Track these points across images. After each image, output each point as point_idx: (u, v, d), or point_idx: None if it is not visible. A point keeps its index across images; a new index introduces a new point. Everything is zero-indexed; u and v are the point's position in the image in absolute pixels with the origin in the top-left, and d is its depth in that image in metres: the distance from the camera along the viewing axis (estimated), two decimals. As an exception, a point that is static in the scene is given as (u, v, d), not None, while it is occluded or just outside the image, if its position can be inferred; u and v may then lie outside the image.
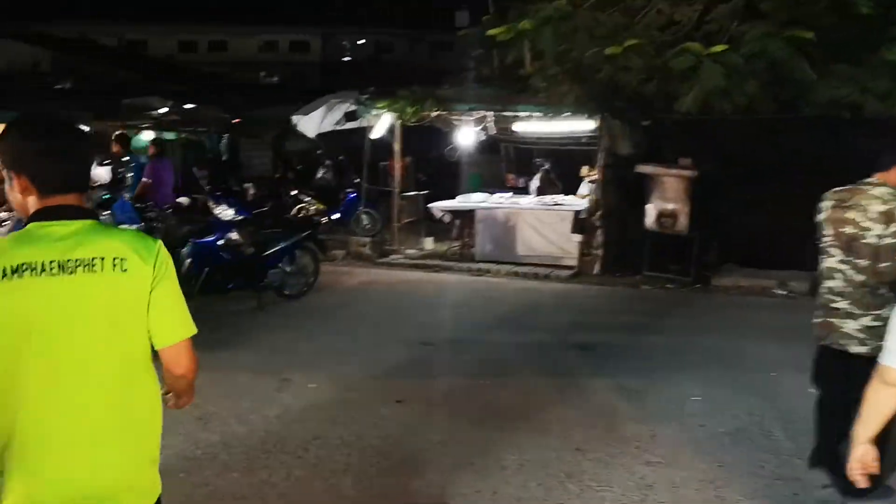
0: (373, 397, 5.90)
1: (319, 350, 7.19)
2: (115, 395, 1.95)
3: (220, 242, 8.24)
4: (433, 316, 8.75)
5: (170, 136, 18.21)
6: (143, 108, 16.98)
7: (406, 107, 11.68)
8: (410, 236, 13.30)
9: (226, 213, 8.42)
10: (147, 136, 16.55)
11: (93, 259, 1.91)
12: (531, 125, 12.10)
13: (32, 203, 1.97)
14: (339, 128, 13.31)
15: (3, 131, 2.01)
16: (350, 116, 13.05)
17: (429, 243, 13.15)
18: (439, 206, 12.44)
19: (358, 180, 13.79)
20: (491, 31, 8.88)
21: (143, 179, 9.82)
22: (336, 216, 14.09)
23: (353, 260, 12.30)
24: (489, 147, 14.91)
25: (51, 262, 1.87)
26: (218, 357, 6.76)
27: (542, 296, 10.03)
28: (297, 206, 14.12)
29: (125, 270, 1.94)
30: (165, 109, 15.90)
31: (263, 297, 8.69)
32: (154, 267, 2.00)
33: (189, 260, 7.97)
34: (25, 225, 1.96)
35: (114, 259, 1.93)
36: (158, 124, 17.31)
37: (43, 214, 1.94)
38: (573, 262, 11.31)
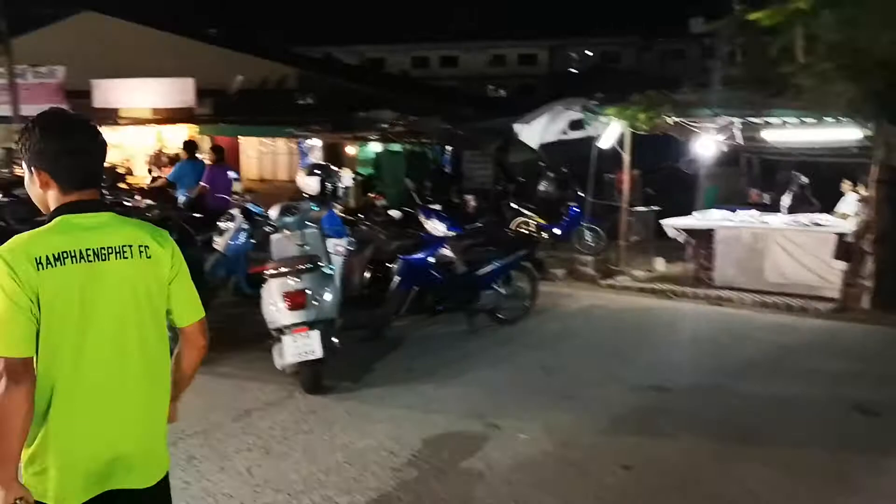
0: (594, 458, 4.77)
1: (535, 389, 6.15)
2: (141, 368, 2.16)
3: (431, 260, 7.49)
4: (666, 354, 7.42)
5: (395, 147, 18.24)
6: (375, 121, 17.13)
7: (638, 113, 10.38)
8: (638, 256, 11.88)
9: (437, 228, 7.66)
10: (312, 143, 16.89)
11: (122, 247, 2.13)
12: (786, 133, 10.33)
13: (53, 197, 2.13)
14: (563, 137, 12.29)
15: (24, 130, 2.13)
16: (575, 125, 12.00)
17: (659, 265, 11.69)
18: (674, 224, 10.97)
19: (581, 194, 12.64)
20: (754, 15, 7.39)
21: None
22: (557, 231, 13.09)
23: (575, 280, 11.11)
24: (727, 159, 13.19)
25: (87, 249, 2.07)
26: (419, 391, 5.97)
27: (799, 334, 8.30)
28: (517, 220, 13.28)
29: (149, 257, 2.17)
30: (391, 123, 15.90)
31: (475, 321, 7.83)
32: (172, 255, 2.23)
33: (398, 278, 7.29)
34: (51, 218, 2.11)
35: (139, 246, 2.16)
36: (384, 136, 17.36)
37: (70, 208, 2.11)
38: (835, 294, 9.41)
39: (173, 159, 26.29)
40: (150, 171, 25.56)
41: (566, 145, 12.62)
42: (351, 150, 18.80)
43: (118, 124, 27.86)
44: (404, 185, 13.69)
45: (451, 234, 7.64)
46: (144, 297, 2.17)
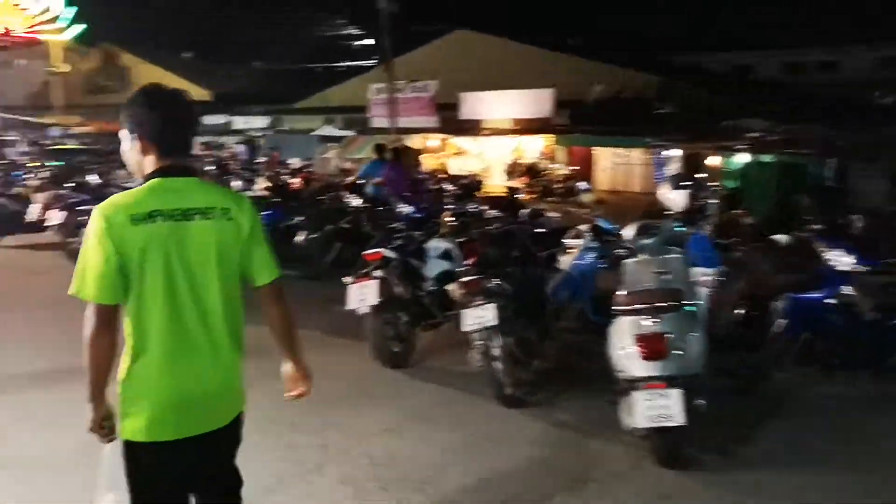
0: None
1: None
2: (221, 317, 2.37)
3: (829, 301, 5.69)
4: None
5: (766, 158, 16.02)
6: (742, 130, 15.29)
7: None
8: None
9: (841, 259, 5.81)
10: (670, 153, 15.13)
11: (206, 208, 2.33)
12: None
13: (149, 162, 2.36)
14: None
15: (129, 100, 2.37)
16: None
17: None
18: None
19: None
20: None
21: (378, 178, 11.82)
22: None
23: None
24: None
25: (175, 209, 2.28)
26: (815, 479, 4.30)
27: None
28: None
29: (230, 219, 2.38)
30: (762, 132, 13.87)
31: (885, 383, 5.85)
32: (250, 218, 2.43)
33: (782, 320, 5.62)
34: (146, 180, 2.33)
35: (221, 209, 2.37)
36: (754, 145, 15.31)
37: (163, 172, 2.34)
38: None
39: (528, 168, 26.51)
40: (508, 180, 25.92)
41: None
42: (714, 161, 16.92)
43: (480, 135, 28.79)
44: (778, 200, 11.60)
45: (861, 268, 5.74)
46: (224, 254, 2.36)
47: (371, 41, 30.37)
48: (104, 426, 2.31)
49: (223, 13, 46.96)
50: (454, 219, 7.29)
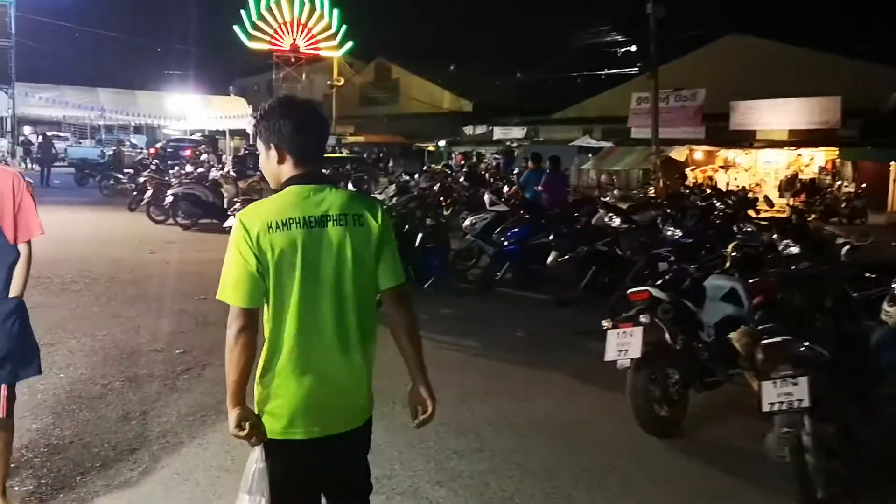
0: None
1: None
2: (356, 319, 2.38)
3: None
4: None
5: None
6: None
7: None
8: None
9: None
10: None
11: (339, 215, 2.35)
12: None
13: (285, 170, 2.40)
14: None
15: (265, 111, 2.42)
16: None
17: None
18: None
19: None
20: None
21: (537, 188, 12.26)
22: None
23: None
24: None
25: (310, 216, 2.32)
26: None
27: None
28: None
29: (362, 225, 2.38)
30: None
31: None
32: (381, 225, 2.41)
33: None
34: (282, 188, 2.38)
35: (354, 215, 2.38)
36: None
37: (299, 179, 2.38)
38: None
39: (807, 184, 23.45)
40: (783, 196, 23.12)
41: None
42: None
43: (752, 147, 26.09)
44: None
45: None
46: (358, 260, 2.37)
47: (633, 48, 28.58)
48: (243, 426, 2.28)
49: (486, 25, 47.59)
50: (739, 249, 5.82)
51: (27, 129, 36.27)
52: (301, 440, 2.34)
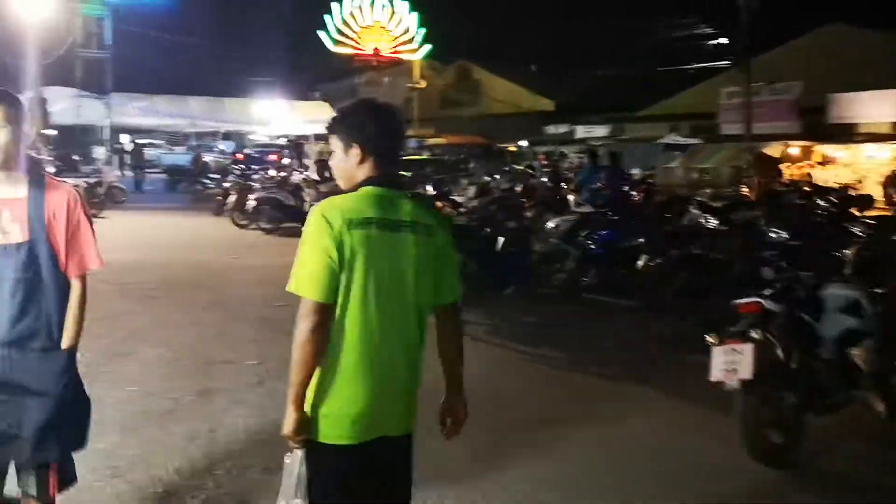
0: None
1: None
2: (415, 327, 2.36)
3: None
4: None
5: None
6: None
7: None
8: None
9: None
10: None
11: (411, 222, 2.33)
12: None
13: (363, 171, 2.36)
14: None
15: (348, 110, 2.45)
16: None
17: None
18: None
19: None
20: None
21: (595, 185, 12.21)
22: None
23: None
24: None
25: (385, 219, 2.28)
26: None
27: None
28: None
29: (430, 235, 2.37)
30: None
31: None
32: (446, 238, 2.42)
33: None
34: (356, 188, 2.34)
35: (425, 224, 2.36)
36: None
37: (378, 181, 2.34)
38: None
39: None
40: (888, 196, 21.68)
41: None
42: None
43: (853, 141, 24.60)
44: None
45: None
46: (423, 269, 2.35)
47: (724, 40, 27.41)
48: (300, 432, 2.26)
49: (568, 22, 46.75)
50: (861, 252, 5.19)
51: (125, 138, 37.58)
52: (352, 445, 2.29)
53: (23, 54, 19.77)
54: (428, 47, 37.99)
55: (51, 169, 18.70)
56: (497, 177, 16.73)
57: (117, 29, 30.26)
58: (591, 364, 6.36)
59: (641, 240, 8.78)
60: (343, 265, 2.22)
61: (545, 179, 13.55)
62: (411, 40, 37.67)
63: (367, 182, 2.34)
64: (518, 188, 13.23)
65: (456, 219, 9.43)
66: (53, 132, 29.81)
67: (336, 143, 2.40)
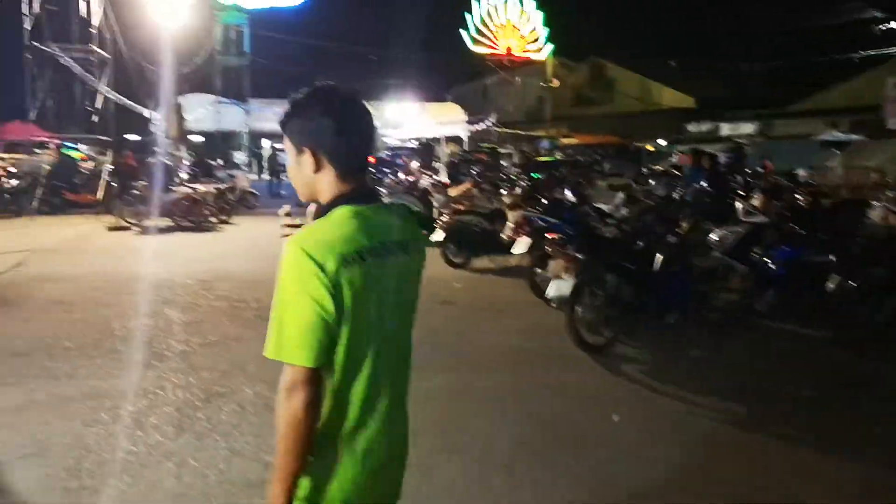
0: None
1: None
2: (407, 368, 1.95)
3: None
4: None
5: None
6: None
7: None
8: None
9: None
10: None
11: (402, 242, 1.86)
12: None
13: (326, 183, 1.83)
14: None
15: (296, 104, 1.84)
16: None
17: None
18: None
19: None
20: None
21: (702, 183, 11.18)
22: None
23: None
24: None
25: (377, 244, 1.79)
26: None
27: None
28: None
29: (419, 251, 1.95)
30: None
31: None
32: (425, 251, 2.01)
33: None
34: (329, 207, 1.80)
35: (413, 241, 1.92)
36: None
37: (352, 197, 1.81)
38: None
39: None
40: None
41: None
42: None
43: None
44: None
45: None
46: (413, 295, 1.96)
47: (894, 25, 24.46)
48: None
49: (709, 13, 43.99)
50: None
51: (266, 143, 38.30)
52: None
53: (163, 63, 20.01)
54: (551, 47, 36.76)
55: (184, 175, 18.93)
56: (651, 182, 14.81)
57: (255, 35, 30.71)
58: (775, 419, 4.96)
59: (831, 257, 7.20)
60: (341, 317, 1.71)
61: (704, 184, 11.83)
62: (536, 39, 36.58)
63: (341, 200, 1.81)
64: (676, 195, 11.61)
65: (602, 231, 8.10)
66: (200, 139, 30.57)
67: (287, 146, 1.87)
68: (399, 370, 1.92)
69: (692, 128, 35.32)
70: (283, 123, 1.87)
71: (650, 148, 36.25)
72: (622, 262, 6.85)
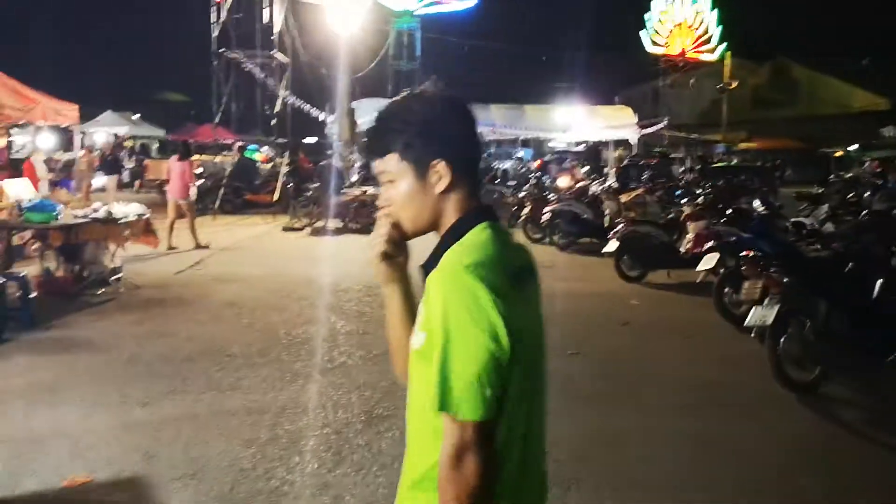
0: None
1: None
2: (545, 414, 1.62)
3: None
4: None
5: None
6: None
7: None
8: None
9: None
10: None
11: (532, 266, 1.59)
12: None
13: (453, 203, 1.50)
14: None
15: (418, 110, 1.50)
16: None
17: None
18: None
19: None
20: None
21: None
22: None
23: None
24: None
25: (522, 268, 1.52)
26: None
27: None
28: None
29: (538, 277, 1.65)
30: None
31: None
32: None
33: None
34: (466, 227, 1.47)
35: (535, 265, 1.61)
36: None
37: (489, 214, 1.51)
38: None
39: None
40: None
41: None
42: None
43: None
44: None
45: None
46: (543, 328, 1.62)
47: None
48: None
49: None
50: None
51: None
52: None
53: (338, 68, 20.44)
54: (723, 46, 34.71)
55: (354, 178, 19.21)
56: (870, 194, 12.93)
57: (425, 39, 31.04)
58: None
59: None
60: (514, 354, 1.35)
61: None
62: (709, 39, 34.69)
63: (481, 217, 1.49)
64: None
65: (805, 249, 7.07)
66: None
67: (393, 165, 1.48)
68: (543, 413, 1.59)
69: (887, 132, 31.98)
70: (394, 139, 1.49)
71: (839, 153, 33.21)
72: (835, 288, 5.89)
